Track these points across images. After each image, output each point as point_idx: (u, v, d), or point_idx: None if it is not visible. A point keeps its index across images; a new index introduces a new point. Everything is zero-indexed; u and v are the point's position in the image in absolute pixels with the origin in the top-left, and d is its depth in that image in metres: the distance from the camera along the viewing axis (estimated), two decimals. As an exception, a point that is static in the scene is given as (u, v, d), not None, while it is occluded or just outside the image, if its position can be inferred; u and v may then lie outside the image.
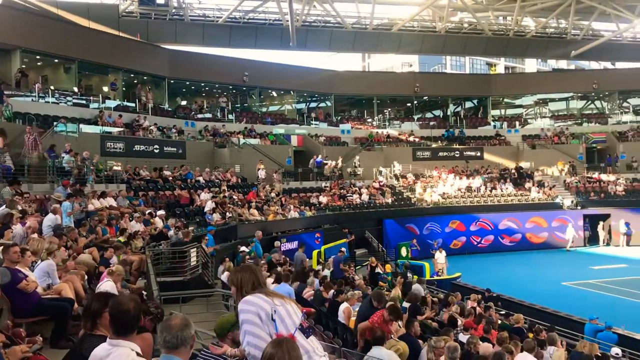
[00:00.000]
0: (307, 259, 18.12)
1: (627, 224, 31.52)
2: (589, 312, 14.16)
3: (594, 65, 54.68)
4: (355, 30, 37.04)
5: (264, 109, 39.76)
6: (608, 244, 32.19)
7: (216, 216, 19.62)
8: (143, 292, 8.58)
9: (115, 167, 20.24)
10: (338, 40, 37.44)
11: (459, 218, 30.94)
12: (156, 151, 25.37)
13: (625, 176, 36.00)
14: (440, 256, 23.38)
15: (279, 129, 34.69)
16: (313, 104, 42.54)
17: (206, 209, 19.89)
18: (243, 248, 18.19)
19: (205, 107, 34.76)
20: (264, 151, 30.19)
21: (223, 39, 35.08)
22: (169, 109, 32.45)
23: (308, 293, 11.97)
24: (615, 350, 9.92)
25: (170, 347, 3.01)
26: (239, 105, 38.67)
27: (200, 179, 23.97)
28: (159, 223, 15.88)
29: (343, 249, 20.01)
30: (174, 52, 33.53)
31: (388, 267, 19.32)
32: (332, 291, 11.61)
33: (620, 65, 47.98)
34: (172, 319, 3.12)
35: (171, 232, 15.08)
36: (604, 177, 36.17)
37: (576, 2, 34.85)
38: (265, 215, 22.44)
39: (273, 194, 25.57)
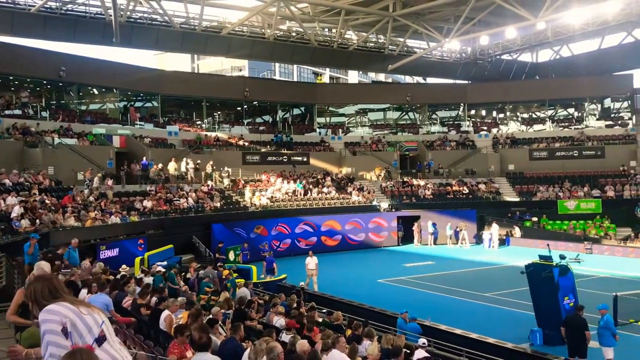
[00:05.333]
0: (217, 278, 17.35)
1: (434, 225, 34.80)
2: (401, 306, 15.33)
3: (408, 79, 59.71)
4: (184, 30, 36.22)
5: (83, 107, 37.11)
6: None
7: (25, 222, 17.85)
8: None
9: None
10: (165, 39, 36.29)
11: (263, 223, 30.91)
12: (-48, 150, 22.50)
13: (433, 181, 39.79)
14: (310, 261, 22.21)
15: (100, 129, 32.68)
16: (139, 104, 40.79)
17: (13, 215, 18.01)
18: (160, 268, 16.93)
19: (13, 102, 31.50)
20: (82, 152, 28.22)
21: (36, 29, 31.98)
22: (-31, 103, 28.93)
23: (128, 302, 11.44)
24: (422, 340, 10.86)
25: None
26: (54, 102, 35.69)
27: (7, 181, 21.62)
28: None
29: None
30: (-25, 40, 29.93)
31: (225, 272, 19.03)
32: (154, 299, 11.23)
33: (430, 80, 52.87)
34: None
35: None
36: (415, 182, 39.60)
37: (393, 20, 37.66)
38: (82, 221, 20.96)
39: (92, 198, 23.97)
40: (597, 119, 45.44)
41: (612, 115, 45.90)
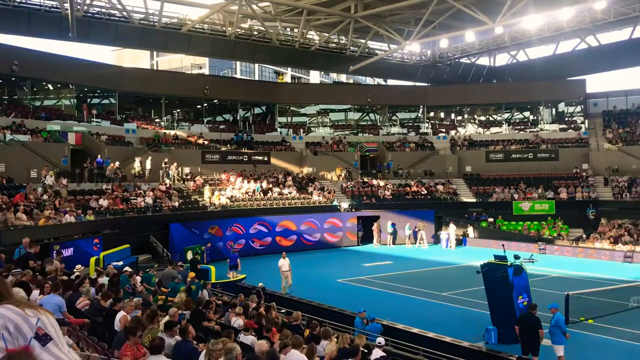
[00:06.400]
0: (179, 277, 17.07)
1: (393, 225, 35.17)
2: (360, 306, 15.43)
3: (369, 81, 60.14)
4: (143, 26, 35.54)
5: (37, 103, 36.09)
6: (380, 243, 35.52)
7: (-27, 221, 17.26)
8: None
9: None
10: (124, 35, 35.57)
11: (219, 223, 30.44)
12: None
13: (392, 182, 40.19)
14: (284, 263, 21.59)
15: (54, 126, 31.80)
16: (96, 100, 39.90)
17: (-39, 213, 17.39)
18: (127, 268, 16.50)
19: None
20: (36, 149, 27.43)
21: (-13, 22, 30.99)
22: None
23: (82, 303, 11.16)
24: (379, 340, 10.95)
25: None
26: (6, 97, 34.58)
27: (-45, 178, 20.89)
28: None
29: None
30: None
31: (192, 274, 18.60)
32: (109, 300, 11.00)
33: (391, 82, 53.37)
34: None
35: None
36: (375, 182, 39.93)
37: (354, 22, 37.86)
38: (35, 220, 20.36)
39: (45, 197, 23.31)
40: (552, 123, 46.71)
41: (566, 119, 47.25)
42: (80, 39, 33.82)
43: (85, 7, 32.56)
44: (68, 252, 20.61)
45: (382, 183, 39.72)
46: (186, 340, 7.71)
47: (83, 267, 17.38)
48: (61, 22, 31.93)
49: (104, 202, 26.31)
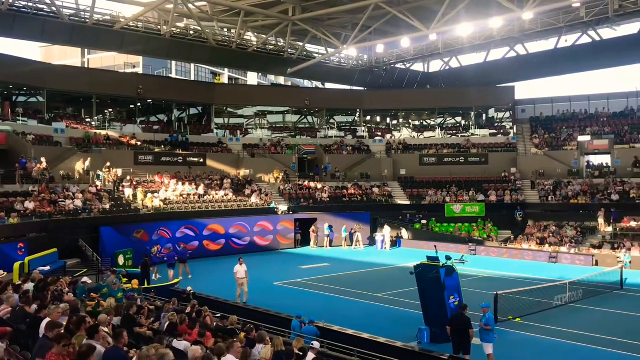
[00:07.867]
0: (118, 282, 16.50)
1: (330, 227, 35.42)
2: (297, 309, 15.43)
3: (307, 84, 60.34)
4: (73, 22, 34.21)
5: (-43, 100, 34.16)
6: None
7: None
8: None
9: None
10: (52, 31, 34.03)
11: (144, 227, 29.20)
12: None
13: (330, 184, 40.50)
14: (240, 269, 20.62)
15: (-25, 125, 30.24)
16: (22, 98, 38.11)
17: None
18: (85, 279, 15.69)
19: None
20: (-45, 149, 25.97)
21: None
22: None
23: (4, 310, 10.62)
24: (313, 342, 10.99)
25: None
26: None
27: None
28: None
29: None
30: None
31: (135, 283, 17.91)
32: (34, 306, 10.51)
33: (328, 86, 53.74)
34: None
35: None
36: (312, 185, 40.09)
37: (292, 24, 37.88)
38: (-47, 224, 19.25)
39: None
40: (482, 128, 48.35)
41: (495, 124, 49.04)
42: (5, 33, 32.27)
43: (11, 0, 31.05)
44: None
45: (319, 185, 39.93)
46: (116, 347, 7.46)
47: (6, 273, 16.59)
48: (-16, 15, 30.33)
49: (29, 205, 25.16)
